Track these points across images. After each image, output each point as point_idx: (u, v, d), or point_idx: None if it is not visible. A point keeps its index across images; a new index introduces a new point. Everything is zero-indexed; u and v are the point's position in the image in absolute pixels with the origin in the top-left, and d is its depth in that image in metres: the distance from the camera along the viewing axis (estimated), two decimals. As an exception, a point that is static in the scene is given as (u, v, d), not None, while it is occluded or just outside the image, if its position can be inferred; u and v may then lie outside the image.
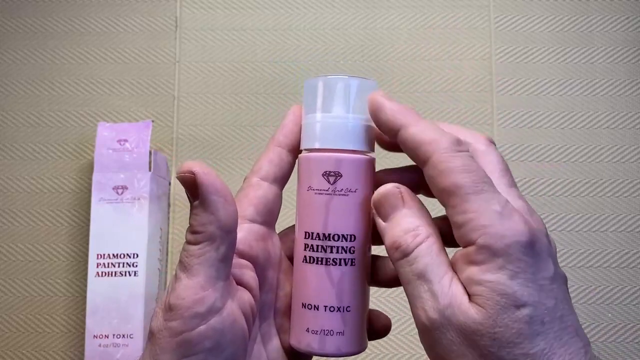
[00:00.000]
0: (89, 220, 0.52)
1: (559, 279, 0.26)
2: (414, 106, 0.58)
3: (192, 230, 0.27)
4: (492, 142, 0.30)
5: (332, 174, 0.30)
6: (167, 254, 0.56)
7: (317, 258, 0.30)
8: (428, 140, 0.27)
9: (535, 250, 0.26)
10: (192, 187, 0.27)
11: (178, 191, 0.57)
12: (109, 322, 0.50)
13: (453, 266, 0.27)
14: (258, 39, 0.60)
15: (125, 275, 0.50)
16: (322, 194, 0.30)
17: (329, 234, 0.30)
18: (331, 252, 0.30)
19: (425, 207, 0.29)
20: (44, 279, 0.56)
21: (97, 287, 0.50)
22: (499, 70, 0.59)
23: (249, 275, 0.29)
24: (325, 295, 0.30)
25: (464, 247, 0.26)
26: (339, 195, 0.30)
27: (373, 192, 0.31)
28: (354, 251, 0.30)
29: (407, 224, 0.28)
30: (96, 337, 0.49)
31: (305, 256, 0.31)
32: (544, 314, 0.25)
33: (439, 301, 0.26)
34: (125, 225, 0.51)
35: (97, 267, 0.50)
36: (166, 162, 0.57)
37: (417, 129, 0.28)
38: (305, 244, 0.31)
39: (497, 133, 0.58)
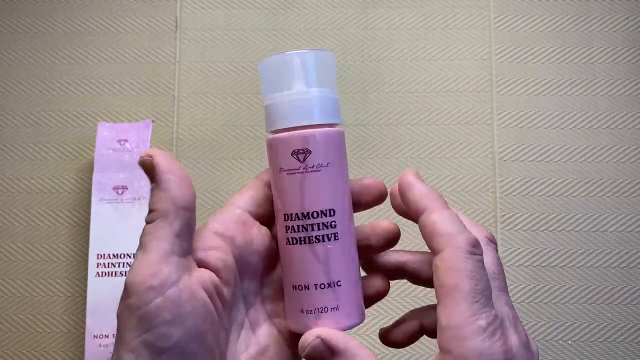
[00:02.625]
0: (89, 220, 0.52)
1: None
2: (413, 106, 0.58)
3: (149, 210, 0.28)
4: (493, 241, 0.30)
5: (301, 151, 0.30)
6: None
7: (300, 238, 0.30)
8: (446, 233, 0.28)
9: None
10: (151, 169, 0.28)
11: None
12: (109, 322, 0.50)
13: None
14: (258, 39, 0.60)
15: (126, 275, 0.50)
16: (294, 173, 0.30)
17: (308, 212, 0.30)
18: (312, 230, 0.30)
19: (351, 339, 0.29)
20: (44, 279, 0.56)
21: (97, 287, 0.50)
22: (499, 70, 0.59)
23: (215, 256, 0.29)
24: (314, 273, 0.30)
25: (441, 351, 0.26)
26: (312, 172, 0.30)
27: (346, 163, 0.31)
28: (335, 225, 0.30)
29: None
30: (96, 337, 0.49)
31: (288, 238, 0.30)
32: None
33: None
34: (126, 225, 0.51)
35: (97, 267, 0.51)
36: (166, 162, 0.57)
37: (440, 217, 0.28)
38: (286, 227, 0.30)
39: (497, 133, 0.58)
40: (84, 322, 0.54)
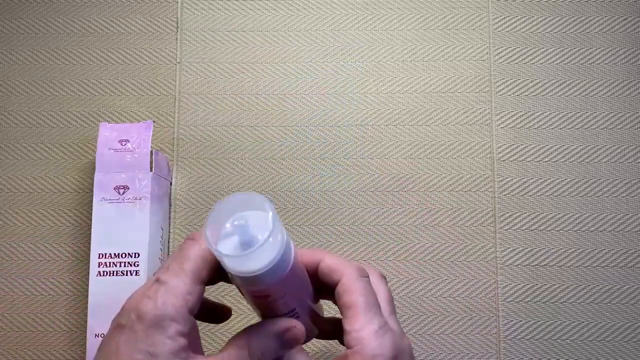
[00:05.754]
0: (90, 220, 0.53)
1: None
2: (413, 107, 0.59)
3: None
4: (384, 277, 0.39)
5: (261, 295, 0.35)
6: (168, 254, 0.57)
7: None
8: (341, 268, 0.37)
9: None
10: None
11: (179, 191, 0.58)
12: (110, 321, 0.50)
13: None
14: (258, 39, 0.60)
15: (127, 274, 0.51)
16: (260, 299, 0.35)
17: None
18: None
19: None
20: (46, 279, 0.57)
21: (99, 287, 0.50)
22: (498, 70, 0.59)
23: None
24: None
25: (347, 349, 0.35)
26: (273, 301, 0.35)
27: (303, 276, 0.37)
28: (298, 315, 0.37)
29: None
30: (98, 336, 0.50)
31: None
32: None
33: None
34: (127, 225, 0.51)
35: (99, 266, 0.51)
36: (167, 163, 0.57)
37: (332, 260, 0.37)
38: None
39: (496, 134, 0.58)
40: (85, 321, 0.55)
